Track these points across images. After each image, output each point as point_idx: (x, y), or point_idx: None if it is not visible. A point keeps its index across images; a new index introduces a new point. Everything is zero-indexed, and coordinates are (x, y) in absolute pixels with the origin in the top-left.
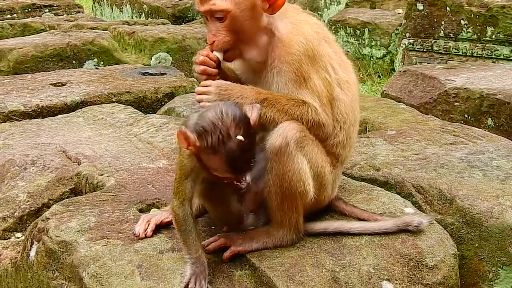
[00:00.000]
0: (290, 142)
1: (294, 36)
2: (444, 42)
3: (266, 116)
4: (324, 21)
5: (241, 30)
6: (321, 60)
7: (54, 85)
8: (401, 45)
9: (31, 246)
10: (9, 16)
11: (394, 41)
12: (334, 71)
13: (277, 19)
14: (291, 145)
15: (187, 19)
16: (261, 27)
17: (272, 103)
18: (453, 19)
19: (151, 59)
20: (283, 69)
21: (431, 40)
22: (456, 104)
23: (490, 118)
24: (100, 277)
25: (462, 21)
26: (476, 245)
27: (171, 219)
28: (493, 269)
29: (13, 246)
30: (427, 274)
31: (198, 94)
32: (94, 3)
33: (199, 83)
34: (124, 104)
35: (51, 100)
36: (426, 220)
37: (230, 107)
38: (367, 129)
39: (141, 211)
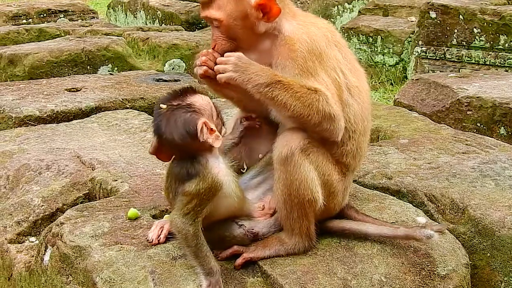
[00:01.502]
0: (295, 151)
1: (297, 35)
2: (457, 50)
3: (278, 99)
4: (337, 29)
5: (237, 37)
6: (329, 61)
7: (69, 90)
8: (414, 53)
9: (45, 250)
10: (24, 21)
11: (406, 49)
12: (343, 75)
13: (283, 21)
14: (296, 154)
15: (200, 25)
16: (259, 34)
17: (285, 87)
18: (466, 27)
19: (164, 65)
20: (287, 65)
21: (444, 48)
22: (468, 113)
23: (502, 127)
24: (113, 283)
25: (475, 29)
26: (488, 254)
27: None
28: (505, 279)
29: (27, 250)
30: (439, 284)
31: (217, 64)
32: (108, 9)
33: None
34: (138, 110)
35: (66, 105)
36: (436, 234)
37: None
38: (380, 137)
39: (155, 217)
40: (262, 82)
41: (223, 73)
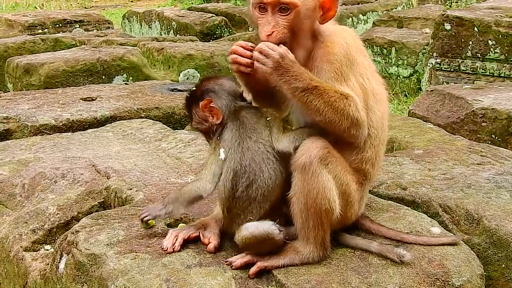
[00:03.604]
0: (313, 160)
1: (336, 39)
2: (472, 62)
3: (312, 104)
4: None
5: (299, 27)
6: (358, 67)
7: (85, 99)
8: (428, 64)
9: (60, 258)
10: (40, 31)
11: (421, 61)
12: (369, 82)
13: (320, 25)
14: (315, 163)
15: (215, 36)
16: (312, 31)
17: (321, 93)
18: (481, 39)
19: (179, 75)
20: (323, 68)
21: (458, 60)
22: (483, 124)
23: None
24: None
25: (489, 41)
26: (503, 266)
27: (199, 234)
28: None
29: (42, 258)
30: None
31: (258, 53)
32: (123, 19)
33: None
34: (153, 119)
35: (81, 115)
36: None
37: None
38: (394, 148)
39: (169, 225)
40: (299, 86)
41: (263, 64)
